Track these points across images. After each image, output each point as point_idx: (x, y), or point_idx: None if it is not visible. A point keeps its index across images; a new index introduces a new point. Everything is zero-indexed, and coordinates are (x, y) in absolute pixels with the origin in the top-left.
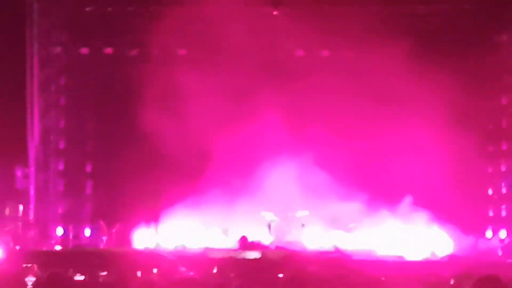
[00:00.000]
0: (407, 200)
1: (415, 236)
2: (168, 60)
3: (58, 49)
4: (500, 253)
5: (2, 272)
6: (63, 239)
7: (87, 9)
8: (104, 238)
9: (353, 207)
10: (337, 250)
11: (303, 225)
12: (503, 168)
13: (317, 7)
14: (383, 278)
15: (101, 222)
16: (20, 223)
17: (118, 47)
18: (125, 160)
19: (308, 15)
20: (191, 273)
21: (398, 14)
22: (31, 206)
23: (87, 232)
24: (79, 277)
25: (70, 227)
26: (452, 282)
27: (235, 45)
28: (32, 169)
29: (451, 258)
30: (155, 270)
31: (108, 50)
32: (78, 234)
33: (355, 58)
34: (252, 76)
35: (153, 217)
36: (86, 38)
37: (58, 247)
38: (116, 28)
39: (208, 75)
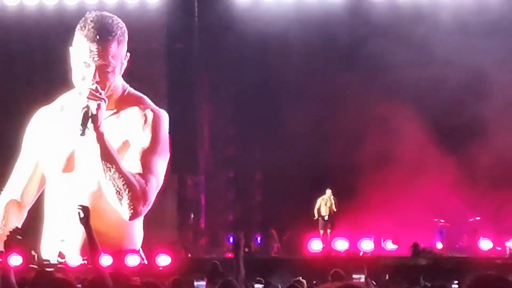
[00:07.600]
0: None
1: None
2: None
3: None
4: None
5: (173, 282)
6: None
7: None
8: (276, 245)
9: None
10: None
11: (475, 231)
12: None
13: None
14: None
15: (272, 230)
16: (191, 232)
17: None
18: (292, 167)
19: None
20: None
21: None
22: (202, 214)
23: (258, 240)
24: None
25: (241, 235)
26: None
27: None
28: (202, 178)
29: None
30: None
31: None
32: (249, 242)
33: None
34: None
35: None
36: None
37: (229, 255)
38: None
39: None
